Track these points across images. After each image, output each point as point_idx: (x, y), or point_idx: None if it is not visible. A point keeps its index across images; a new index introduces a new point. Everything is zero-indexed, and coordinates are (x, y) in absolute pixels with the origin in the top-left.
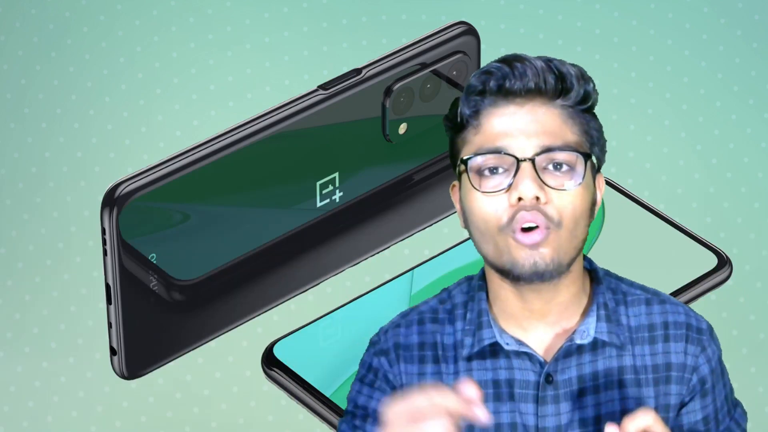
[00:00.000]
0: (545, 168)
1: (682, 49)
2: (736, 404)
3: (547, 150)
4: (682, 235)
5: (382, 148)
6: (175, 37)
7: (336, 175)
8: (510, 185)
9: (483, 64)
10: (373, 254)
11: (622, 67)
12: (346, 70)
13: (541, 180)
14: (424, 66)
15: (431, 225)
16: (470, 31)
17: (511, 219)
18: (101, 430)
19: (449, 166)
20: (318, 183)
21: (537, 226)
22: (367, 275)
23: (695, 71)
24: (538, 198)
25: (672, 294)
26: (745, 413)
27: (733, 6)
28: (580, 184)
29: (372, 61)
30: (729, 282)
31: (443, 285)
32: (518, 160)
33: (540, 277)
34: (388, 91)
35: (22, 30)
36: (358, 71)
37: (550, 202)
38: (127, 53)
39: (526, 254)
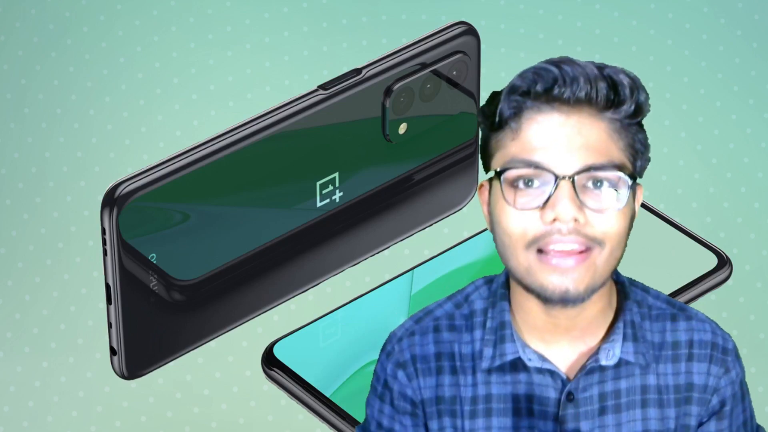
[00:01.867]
0: (585, 186)
1: (682, 49)
2: (757, 429)
3: (590, 169)
4: (682, 235)
5: (382, 148)
6: (175, 37)
7: (336, 175)
8: (546, 202)
9: (483, 64)
10: (373, 254)
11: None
12: (346, 70)
13: (580, 200)
14: (424, 66)
15: (431, 225)
16: (470, 31)
17: (541, 237)
18: (101, 430)
19: (449, 165)
20: (318, 183)
21: (574, 250)
22: (367, 275)
23: (695, 71)
24: (576, 220)
25: (672, 294)
26: None
27: (733, 6)
28: (622, 207)
29: (372, 61)
30: (729, 282)
31: (443, 285)
32: (557, 177)
33: (572, 302)
34: (388, 91)
35: (22, 30)
36: (358, 71)
37: (589, 224)
38: (127, 53)
39: (557, 279)
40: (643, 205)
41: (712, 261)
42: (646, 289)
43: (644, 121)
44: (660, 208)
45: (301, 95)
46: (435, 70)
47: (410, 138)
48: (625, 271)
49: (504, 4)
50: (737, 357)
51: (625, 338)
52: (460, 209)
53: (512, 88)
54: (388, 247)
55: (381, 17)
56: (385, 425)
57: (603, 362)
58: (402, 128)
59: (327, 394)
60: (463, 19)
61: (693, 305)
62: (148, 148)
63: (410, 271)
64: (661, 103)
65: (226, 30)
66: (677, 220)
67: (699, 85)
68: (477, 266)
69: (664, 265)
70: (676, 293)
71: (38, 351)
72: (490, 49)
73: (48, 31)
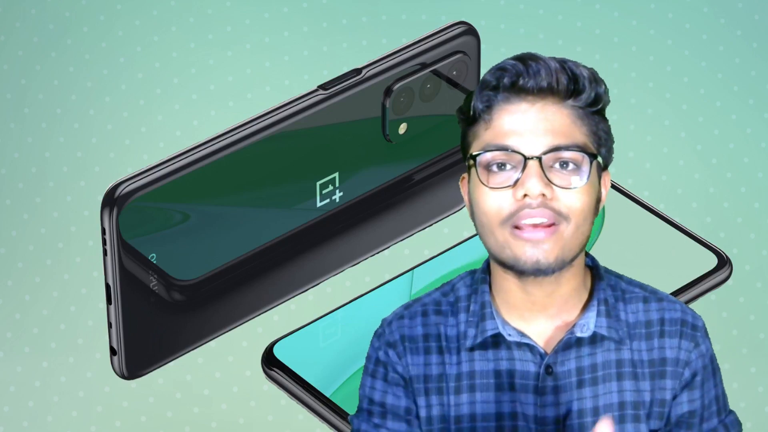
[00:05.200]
0: (552, 166)
1: (682, 49)
2: (730, 412)
3: (555, 149)
4: (682, 235)
5: (382, 148)
6: (175, 37)
7: (336, 175)
8: (516, 181)
9: (483, 64)
10: (373, 254)
11: (622, 67)
12: (346, 70)
13: (547, 178)
14: (424, 66)
15: (431, 225)
16: (470, 31)
17: (514, 213)
18: (101, 430)
19: (449, 165)
20: (318, 183)
21: (543, 223)
22: (367, 275)
23: (695, 71)
24: (544, 195)
25: (672, 294)
26: (738, 423)
27: (733, 6)
28: (584, 183)
29: (372, 61)
30: (729, 282)
31: None
32: (525, 158)
33: (543, 272)
34: (388, 91)
35: (22, 30)
36: (358, 71)
37: (556, 199)
38: (127, 53)
39: (530, 251)
40: (643, 205)
41: (712, 261)
42: (619, 276)
43: (646, 121)
44: (660, 208)
45: (301, 95)
46: (435, 70)
47: (410, 138)
48: (625, 270)
49: (504, 4)
50: (706, 334)
51: (598, 314)
52: (460, 209)
53: (483, 84)
54: (388, 247)
55: (381, 17)
56: (377, 400)
57: (578, 334)
58: (402, 128)
59: (327, 394)
60: (463, 19)
61: (693, 305)
62: (148, 148)
63: (410, 271)
64: (661, 103)
65: (226, 30)
66: (677, 220)
67: (699, 85)
68: (476, 266)
69: (664, 265)
70: (676, 293)
71: (38, 351)
72: (490, 49)
73: (48, 31)
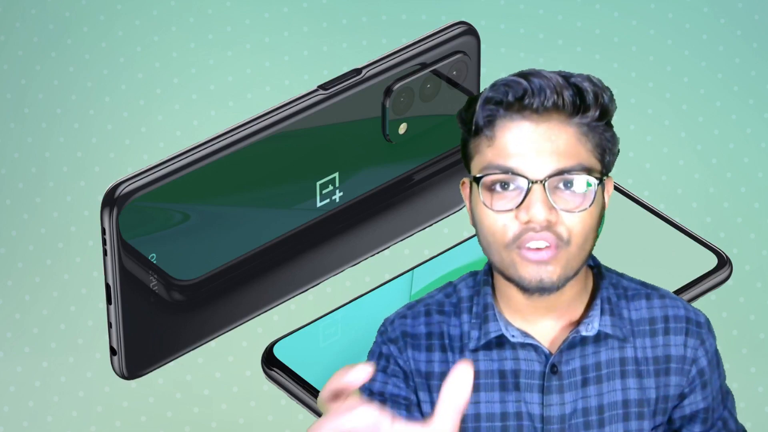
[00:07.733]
0: (556, 188)
1: (682, 49)
2: (728, 392)
3: (559, 173)
4: (682, 235)
5: (382, 148)
6: (175, 37)
7: (336, 175)
8: (520, 204)
9: (483, 64)
10: (373, 254)
11: (622, 67)
12: (346, 70)
13: (551, 202)
14: (424, 66)
15: (431, 225)
16: (470, 31)
17: (518, 236)
18: (101, 430)
19: (449, 166)
20: (318, 183)
21: (546, 246)
22: (367, 275)
23: (695, 71)
24: (548, 220)
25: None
26: (733, 399)
27: (733, 6)
28: (590, 206)
29: (372, 61)
30: (729, 282)
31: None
32: (530, 182)
33: (547, 291)
34: (388, 91)
35: (22, 30)
36: (358, 71)
37: (560, 222)
38: (127, 53)
39: (534, 270)
40: (643, 205)
41: (712, 261)
42: (620, 274)
43: (646, 121)
44: (660, 208)
45: (301, 95)
46: (435, 70)
47: (410, 138)
48: (625, 270)
49: (504, 4)
50: (710, 329)
51: (602, 312)
52: (460, 209)
53: (486, 99)
54: (388, 247)
55: (381, 17)
56: (376, 390)
57: (583, 333)
58: (402, 128)
59: None
60: (463, 19)
61: (693, 305)
62: (148, 148)
63: (410, 271)
64: (661, 103)
65: (226, 30)
66: (677, 220)
67: (699, 85)
68: (477, 266)
69: (664, 265)
70: (676, 293)
71: (38, 351)
72: (490, 49)
73: (48, 31)
